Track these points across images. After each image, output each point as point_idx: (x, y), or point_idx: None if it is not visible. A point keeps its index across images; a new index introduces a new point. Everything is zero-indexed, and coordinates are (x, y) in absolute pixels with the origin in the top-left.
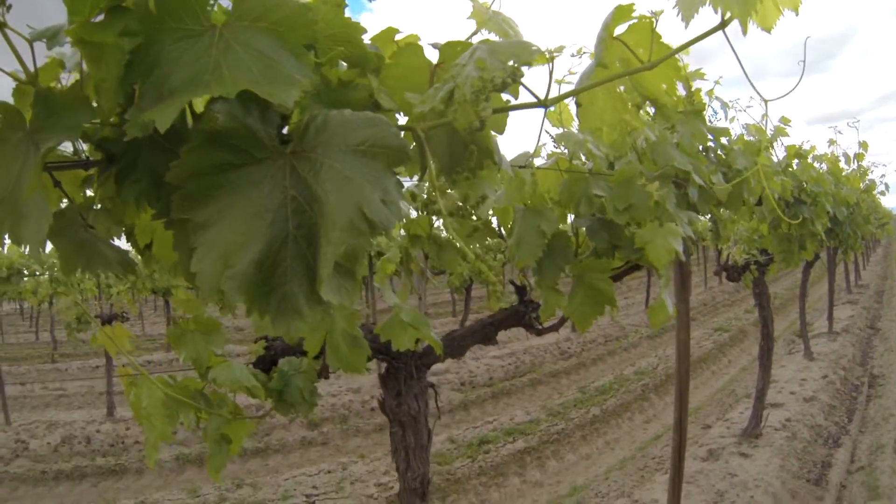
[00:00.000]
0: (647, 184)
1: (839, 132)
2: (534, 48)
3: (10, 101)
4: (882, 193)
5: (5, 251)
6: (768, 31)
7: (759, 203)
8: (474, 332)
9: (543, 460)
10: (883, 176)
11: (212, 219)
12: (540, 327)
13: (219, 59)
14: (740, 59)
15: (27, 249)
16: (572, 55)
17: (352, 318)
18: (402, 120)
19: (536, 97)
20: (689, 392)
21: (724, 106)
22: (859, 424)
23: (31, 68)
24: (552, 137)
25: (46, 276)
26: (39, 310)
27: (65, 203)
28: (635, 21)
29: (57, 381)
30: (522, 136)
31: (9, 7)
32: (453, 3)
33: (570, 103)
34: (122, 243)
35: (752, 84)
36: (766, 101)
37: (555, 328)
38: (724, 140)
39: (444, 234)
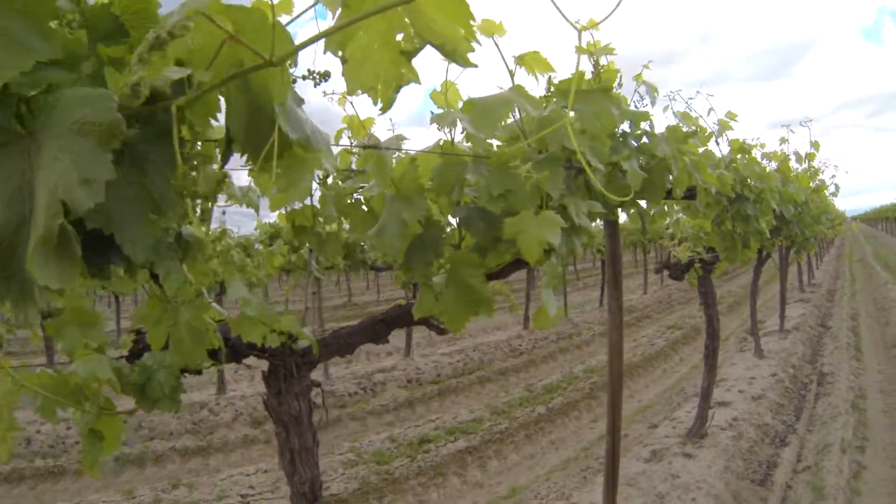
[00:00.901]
0: (521, 167)
1: (791, 131)
2: None
3: None
4: (833, 195)
5: None
6: None
7: (691, 196)
8: (364, 329)
9: (485, 460)
10: (833, 177)
11: None
12: (441, 325)
13: None
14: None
15: None
16: None
17: (198, 310)
18: None
19: (262, 56)
20: (622, 395)
21: (651, 90)
22: (807, 423)
23: None
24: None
25: None
26: None
27: None
28: None
29: None
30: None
31: None
32: None
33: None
34: None
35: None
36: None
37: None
38: (645, 125)
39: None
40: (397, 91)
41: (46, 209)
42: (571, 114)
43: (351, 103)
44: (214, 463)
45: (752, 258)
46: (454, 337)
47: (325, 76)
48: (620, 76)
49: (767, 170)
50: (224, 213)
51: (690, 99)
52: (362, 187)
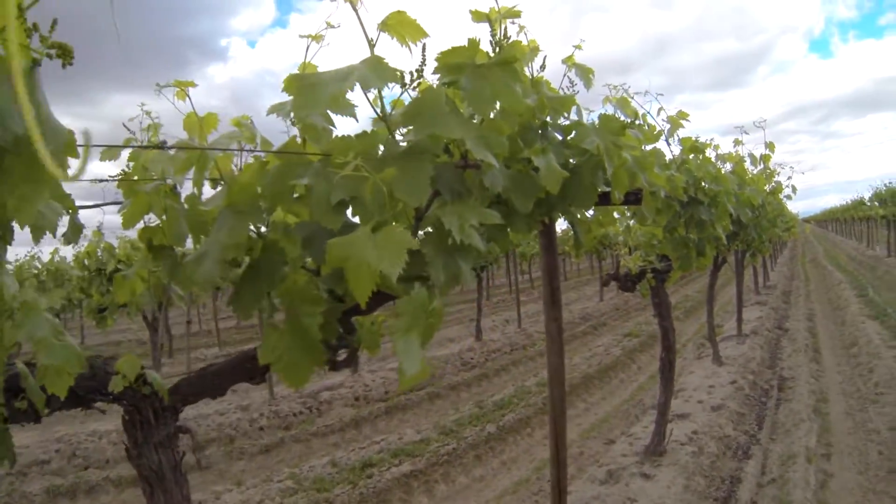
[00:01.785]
0: (359, 165)
1: (745, 132)
2: None
3: None
4: (788, 197)
5: None
6: None
7: (635, 201)
8: (234, 367)
9: (432, 484)
10: (790, 178)
11: None
12: (334, 360)
13: None
14: None
15: None
16: None
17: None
18: None
19: None
20: (566, 423)
21: (584, 74)
22: (769, 431)
23: None
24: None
25: None
26: None
27: None
28: None
29: None
30: None
31: None
32: None
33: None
34: None
35: None
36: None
37: (347, 363)
38: (573, 115)
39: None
40: None
41: None
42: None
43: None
44: None
45: (707, 265)
46: None
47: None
48: (544, 58)
49: (722, 171)
50: None
51: (637, 94)
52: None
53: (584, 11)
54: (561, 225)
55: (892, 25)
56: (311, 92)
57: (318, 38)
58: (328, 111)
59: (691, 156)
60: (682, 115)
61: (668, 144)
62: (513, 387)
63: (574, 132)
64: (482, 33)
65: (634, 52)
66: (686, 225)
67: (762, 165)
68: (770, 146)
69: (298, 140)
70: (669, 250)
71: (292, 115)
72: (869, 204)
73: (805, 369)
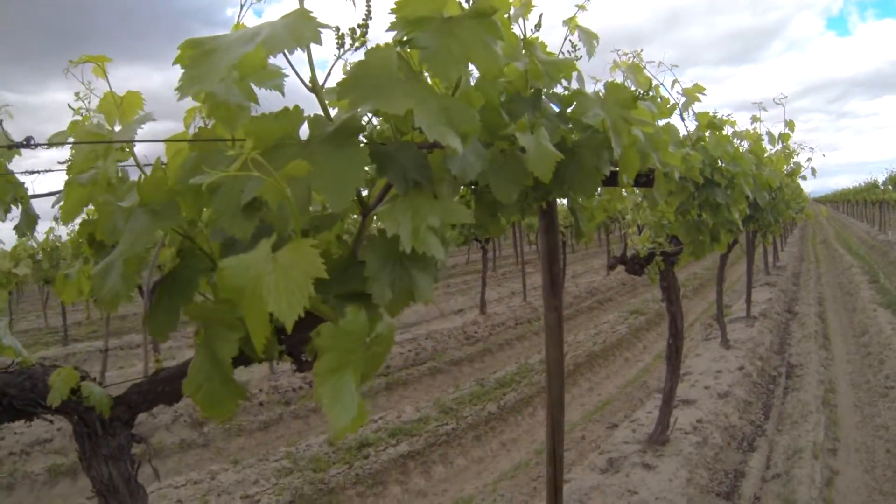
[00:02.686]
0: (250, 156)
1: (763, 109)
2: None
3: None
4: (804, 177)
5: None
6: None
7: (647, 183)
8: (173, 378)
9: (429, 466)
10: (809, 160)
11: None
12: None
13: None
14: None
15: None
16: None
17: None
18: None
19: None
20: (563, 419)
21: (589, 38)
22: (776, 422)
23: None
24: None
25: None
26: None
27: None
28: None
29: None
30: None
31: None
32: None
33: None
34: None
35: None
36: None
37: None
38: (575, 83)
39: None
40: None
41: None
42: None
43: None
44: (149, 471)
45: (721, 251)
46: (408, 322)
47: None
48: (540, 16)
49: (740, 149)
50: None
51: (650, 63)
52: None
53: None
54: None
55: None
56: (206, 61)
57: None
58: (253, 85)
59: (707, 133)
60: (699, 89)
61: (683, 119)
62: (515, 364)
63: (574, 104)
64: None
65: (646, 23)
66: (700, 207)
67: (781, 145)
68: (790, 125)
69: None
70: (681, 234)
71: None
72: (882, 187)
73: (814, 357)
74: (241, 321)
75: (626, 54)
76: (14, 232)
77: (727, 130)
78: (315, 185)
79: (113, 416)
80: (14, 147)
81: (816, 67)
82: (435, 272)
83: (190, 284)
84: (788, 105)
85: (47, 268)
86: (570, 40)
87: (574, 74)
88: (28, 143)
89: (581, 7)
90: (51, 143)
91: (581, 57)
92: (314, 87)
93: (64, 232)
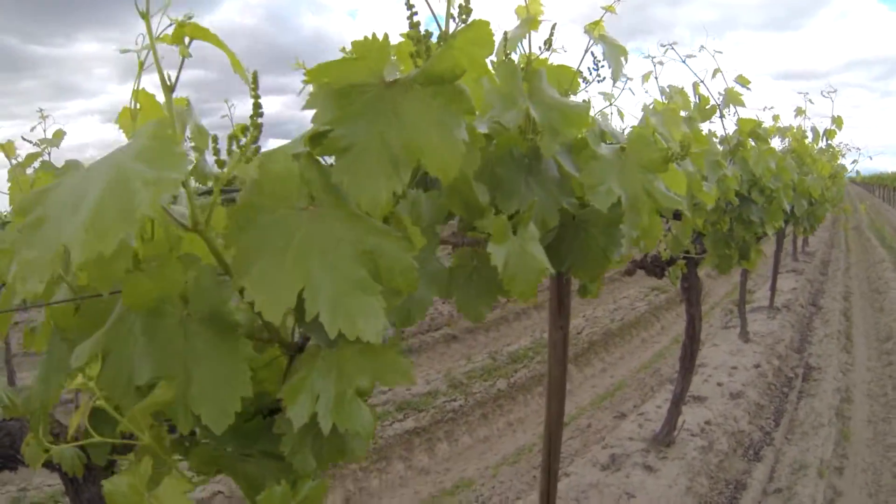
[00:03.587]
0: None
1: (810, 101)
2: None
3: None
4: (853, 179)
5: None
6: None
7: (675, 217)
8: None
9: (434, 443)
10: (855, 162)
11: None
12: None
13: None
14: None
15: None
16: None
17: None
18: None
19: None
20: (561, 435)
21: (615, 53)
22: (786, 430)
23: None
24: None
25: None
26: None
27: None
28: None
29: None
30: None
31: None
32: None
33: None
34: None
35: None
36: None
37: None
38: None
39: None
40: None
41: None
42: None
43: None
44: None
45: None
46: None
47: None
48: (552, 28)
49: (784, 161)
50: None
51: (690, 57)
52: None
53: None
54: None
55: None
56: (37, 238)
57: None
58: None
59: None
60: (743, 81)
61: (722, 119)
62: (530, 337)
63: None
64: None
65: None
66: (731, 221)
67: (825, 142)
68: (837, 121)
69: None
70: (709, 244)
71: None
72: None
73: (834, 360)
74: None
75: (663, 48)
76: None
77: (768, 124)
78: (192, 399)
79: (89, 466)
80: None
81: (864, 41)
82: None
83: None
84: (829, 78)
85: None
86: (591, 53)
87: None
88: None
89: (609, 9)
90: None
91: (604, 79)
92: (195, 227)
93: None
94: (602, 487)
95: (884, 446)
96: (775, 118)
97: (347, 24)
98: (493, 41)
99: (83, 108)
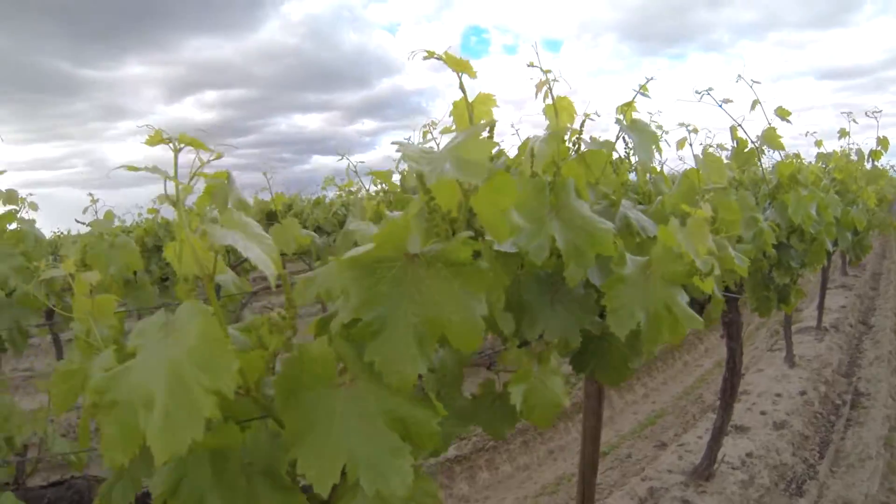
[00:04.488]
0: None
1: (854, 120)
2: None
3: None
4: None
5: None
6: None
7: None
8: None
9: (475, 471)
10: None
11: None
12: None
13: None
14: None
15: None
16: None
17: None
18: None
19: None
20: (595, 478)
21: (647, 142)
22: (831, 462)
23: None
24: None
25: None
26: None
27: None
28: None
29: None
30: None
31: None
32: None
33: None
34: None
35: None
36: None
37: None
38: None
39: None
40: None
41: None
42: None
43: None
44: None
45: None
46: None
47: None
48: (581, 126)
49: (826, 200)
50: None
51: (727, 102)
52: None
53: None
54: None
55: None
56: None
57: None
58: None
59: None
60: (783, 114)
61: (759, 161)
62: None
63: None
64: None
65: None
66: (770, 266)
67: (870, 163)
68: (883, 142)
69: None
70: (747, 287)
71: None
72: None
73: (884, 385)
74: None
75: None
76: None
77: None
78: None
79: None
80: None
81: None
82: None
83: None
84: (875, 74)
85: None
86: (623, 138)
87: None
88: None
89: (643, 89)
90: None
91: (633, 168)
92: (247, 392)
93: None
94: None
95: None
96: (818, 143)
97: (387, 38)
98: (515, 190)
99: (132, 129)
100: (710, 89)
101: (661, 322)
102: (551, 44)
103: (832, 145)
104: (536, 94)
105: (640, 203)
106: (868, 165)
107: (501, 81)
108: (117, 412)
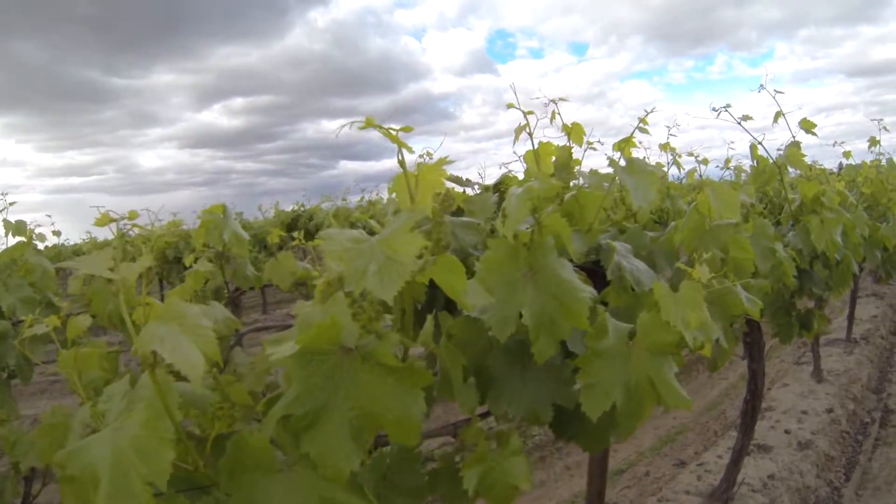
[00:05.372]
0: None
1: (884, 128)
2: None
3: None
4: None
5: None
6: None
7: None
8: None
9: None
10: None
11: None
12: None
13: None
14: None
15: None
16: None
17: None
18: None
19: None
20: None
21: (636, 184)
22: (857, 485)
23: None
24: None
25: None
26: None
27: None
28: None
29: None
30: None
31: None
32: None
33: None
34: None
35: None
36: None
37: None
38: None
39: None
40: None
41: None
42: None
43: None
44: None
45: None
46: None
47: None
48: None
49: (853, 215)
50: None
51: (746, 119)
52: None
53: None
54: None
55: None
56: None
57: None
58: None
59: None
60: (808, 126)
61: (781, 181)
62: None
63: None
64: None
65: None
66: (793, 293)
67: None
68: None
69: None
70: (768, 313)
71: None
72: None
73: None
74: None
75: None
76: None
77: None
78: None
79: None
80: None
81: None
82: None
83: None
84: None
85: None
86: (618, 180)
87: None
88: None
89: (665, 148)
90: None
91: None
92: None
93: None
94: None
95: None
96: (846, 154)
97: (413, 44)
98: (464, 272)
99: (161, 136)
100: (728, 106)
101: (642, 397)
102: (577, 47)
103: (861, 147)
104: (515, 141)
105: (657, 221)
106: None
107: (527, 84)
108: (75, 486)
